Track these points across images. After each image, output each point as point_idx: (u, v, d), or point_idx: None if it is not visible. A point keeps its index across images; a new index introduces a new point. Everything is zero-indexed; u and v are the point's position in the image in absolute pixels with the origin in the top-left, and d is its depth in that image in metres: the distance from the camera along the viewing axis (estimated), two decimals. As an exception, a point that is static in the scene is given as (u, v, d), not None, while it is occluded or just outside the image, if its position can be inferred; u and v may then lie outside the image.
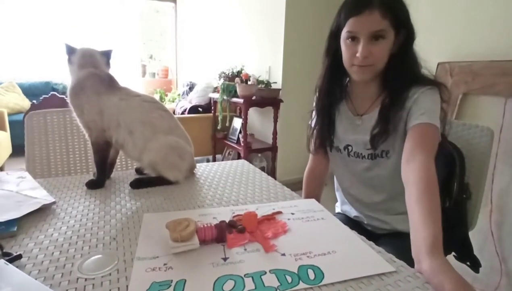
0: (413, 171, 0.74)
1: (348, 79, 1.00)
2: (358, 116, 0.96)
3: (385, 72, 0.89)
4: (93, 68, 0.95)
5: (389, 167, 0.93)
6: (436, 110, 0.83)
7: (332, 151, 1.04)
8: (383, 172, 0.95)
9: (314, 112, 1.08)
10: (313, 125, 1.05)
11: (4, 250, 0.58)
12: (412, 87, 0.86)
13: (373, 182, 0.98)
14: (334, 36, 0.93)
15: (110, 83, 0.95)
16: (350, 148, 0.98)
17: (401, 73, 0.88)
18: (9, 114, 3.48)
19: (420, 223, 0.63)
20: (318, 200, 1.16)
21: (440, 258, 0.55)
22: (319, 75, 1.02)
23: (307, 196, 1.16)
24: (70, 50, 0.97)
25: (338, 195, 1.15)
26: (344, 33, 0.87)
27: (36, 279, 0.51)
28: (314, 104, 1.07)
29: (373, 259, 0.59)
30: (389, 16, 0.81)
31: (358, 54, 0.84)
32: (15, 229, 0.66)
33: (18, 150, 3.31)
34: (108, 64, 1.01)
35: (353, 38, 0.85)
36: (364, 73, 0.88)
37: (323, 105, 1.01)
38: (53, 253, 0.59)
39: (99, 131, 0.94)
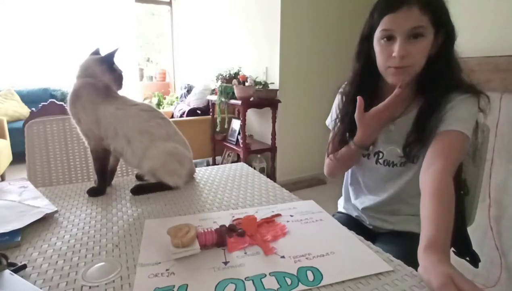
0: (431, 180, 0.71)
1: (380, 83, 0.93)
2: (390, 122, 0.91)
3: (422, 75, 0.84)
4: (89, 78, 0.95)
5: (413, 172, 0.90)
6: (470, 120, 0.79)
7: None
8: (406, 178, 0.92)
9: (332, 113, 1.05)
10: (337, 131, 1.00)
11: (9, 260, 0.59)
12: (451, 93, 0.82)
13: (392, 187, 0.95)
14: (366, 39, 0.88)
15: (107, 93, 0.95)
16: (381, 154, 0.95)
17: (439, 77, 0.82)
18: (8, 122, 3.49)
19: (425, 227, 0.63)
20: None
21: (433, 256, 0.55)
22: (348, 80, 0.97)
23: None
24: None
25: (345, 191, 1.13)
26: (378, 33, 0.82)
27: (41, 288, 0.52)
28: (336, 105, 1.03)
29: (370, 259, 0.60)
30: (429, 13, 0.76)
31: (394, 54, 0.78)
32: (19, 239, 0.67)
33: (18, 158, 3.32)
34: (110, 70, 0.98)
35: (389, 37, 0.80)
36: (400, 76, 0.81)
37: (347, 111, 0.96)
38: (57, 262, 0.61)
39: (97, 139, 0.95)
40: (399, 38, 0.78)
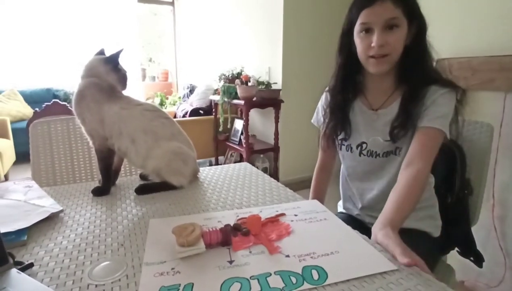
0: (409, 176, 0.81)
1: (362, 75, 1.00)
2: (373, 111, 0.97)
3: (400, 65, 0.91)
4: (94, 77, 0.96)
5: (397, 165, 0.93)
6: (450, 116, 0.86)
7: (342, 149, 1.05)
8: (392, 170, 0.95)
9: (318, 111, 1.11)
10: (325, 124, 1.06)
11: (15, 259, 0.59)
12: (432, 85, 0.88)
13: (379, 181, 0.98)
14: (346, 34, 0.94)
15: (111, 92, 0.96)
16: (364, 145, 0.99)
17: (416, 65, 0.89)
18: (11, 122, 3.51)
19: (388, 209, 0.76)
20: (325, 192, 1.19)
21: (391, 230, 0.67)
22: (332, 74, 1.03)
23: (315, 188, 1.18)
24: None
25: (343, 191, 1.15)
26: (357, 26, 0.89)
27: (48, 286, 0.52)
28: (321, 103, 1.10)
29: (375, 258, 0.60)
30: (401, 5, 0.83)
31: (373, 44, 0.85)
32: (25, 238, 0.67)
33: (21, 158, 3.35)
34: (115, 70, 0.99)
35: (367, 30, 0.87)
36: (381, 65, 0.88)
37: (335, 104, 1.02)
38: (63, 260, 0.61)
39: (101, 139, 0.96)
40: (377, 29, 0.85)
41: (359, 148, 0.99)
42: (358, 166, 1.02)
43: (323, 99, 1.10)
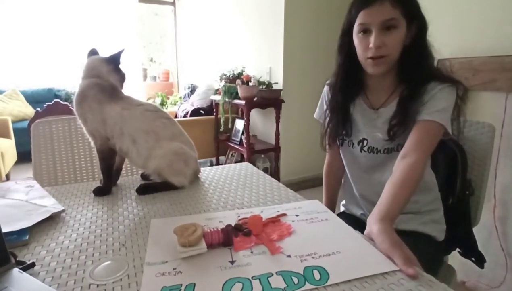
0: (404, 167, 0.80)
1: (362, 74, 1.00)
2: (374, 110, 0.97)
3: (400, 65, 0.91)
4: (96, 78, 0.96)
5: None
6: (449, 111, 0.85)
7: (343, 146, 1.05)
8: (392, 168, 0.95)
9: (322, 105, 1.10)
10: (326, 122, 1.06)
11: (17, 259, 0.60)
12: (431, 82, 0.88)
13: (382, 178, 0.97)
14: (346, 34, 0.94)
15: (113, 93, 0.96)
16: (365, 141, 0.99)
17: (416, 65, 0.89)
18: (13, 122, 3.51)
19: (384, 202, 0.75)
20: (336, 196, 1.20)
21: (387, 225, 0.66)
22: (333, 73, 1.03)
23: (327, 193, 1.19)
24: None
25: (346, 191, 1.15)
26: (356, 27, 0.89)
27: (50, 286, 0.52)
28: (322, 102, 1.10)
29: (376, 258, 0.60)
30: (400, 6, 0.83)
31: (371, 45, 0.85)
32: (27, 238, 0.68)
33: (23, 157, 3.35)
34: (116, 70, 0.99)
35: (366, 30, 0.87)
36: (379, 66, 0.89)
37: (336, 102, 1.02)
38: (65, 260, 0.61)
39: (103, 139, 0.96)
40: (374, 30, 0.85)
41: (360, 144, 1.00)
42: (359, 162, 1.02)
43: (325, 93, 1.10)
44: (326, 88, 1.10)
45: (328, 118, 1.06)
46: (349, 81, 0.99)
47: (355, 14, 0.88)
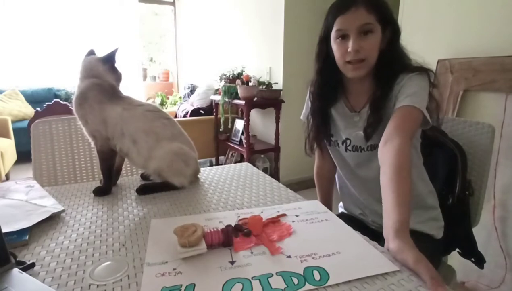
0: (389, 152, 0.77)
1: (342, 79, 1.01)
2: (355, 113, 0.99)
3: (377, 68, 0.93)
4: (95, 78, 0.96)
5: None
6: (421, 94, 0.84)
7: (331, 146, 1.07)
8: (377, 164, 0.95)
9: (305, 110, 1.12)
10: (309, 127, 1.08)
11: (17, 259, 0.59)
12: (400, 75, 0.90)
13: (370, 174, 0.98)
14: (324, 41, 0.97)
15: (113, 93, 0.96)
16: (348, 141, 1.01)
17: (391, 67, 0.91)
18: (12, 122, 3.51)
19: (391, 208, 0.68)
20: (331, 196, 1.21)
21: (405, 239, 0.61)
22: (311, 80, 1.05)
23: (321, 194, 1.21)
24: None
25: (342, 191, 1.15)
26: (333, 33, 0.92)
27: (50, 286, 0.52)
28: (307, 103, 1.11)
29: (376, 259, 0.60)
30: (374, 12, 0.86)
31: (349, 49, 0.87)
32: (27, 238, 0.67)
33: (22, 157, 3.35)
34: (112, 70, 1.00)
35: (343, 36, 0.89)
36: (358, 70, 0.91)
37: (316, 108, 1.05)
38: (65, 260, 0.61)
39: (103, 140, 0.96)
40: (352, 35, 0.87)
41: (344, 144, 1.02)
42: (347, 160, 1.04)
43: (309, 96, 1.10)
44: (309, 89, 1.10)
45: (310, 123, 1.08)
46: (328, 87, 1.01)
47: (332, 20, 0.91)
